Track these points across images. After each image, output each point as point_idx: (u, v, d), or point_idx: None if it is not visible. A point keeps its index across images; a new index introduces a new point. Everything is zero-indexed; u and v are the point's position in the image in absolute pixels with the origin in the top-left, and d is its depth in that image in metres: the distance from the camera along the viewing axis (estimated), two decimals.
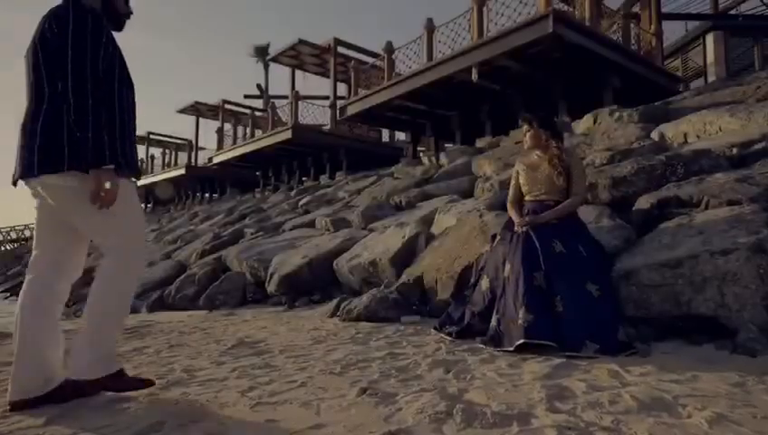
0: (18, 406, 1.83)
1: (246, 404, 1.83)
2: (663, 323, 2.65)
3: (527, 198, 3.21)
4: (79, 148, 1.83)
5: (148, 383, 2.07)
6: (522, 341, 2.47)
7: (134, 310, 6.87)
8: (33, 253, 2.02)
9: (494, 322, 2.73)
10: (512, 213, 3.22)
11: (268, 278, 5.54)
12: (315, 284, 5.24)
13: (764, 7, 16.65)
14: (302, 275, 5.17)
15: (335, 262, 5.00)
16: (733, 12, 16.55)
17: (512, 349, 2.51)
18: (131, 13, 2.22)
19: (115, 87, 1.94)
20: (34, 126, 1.88)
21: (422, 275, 3.91)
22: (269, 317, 4.42)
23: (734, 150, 4.10)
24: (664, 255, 2.67)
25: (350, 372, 2.27)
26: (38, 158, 1.86)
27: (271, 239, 7.43)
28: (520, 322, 2.54)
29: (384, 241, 4.94)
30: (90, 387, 1.93)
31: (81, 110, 1.82)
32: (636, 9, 12.60)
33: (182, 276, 6.99)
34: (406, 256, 4.50)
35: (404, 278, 4.06)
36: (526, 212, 3.15)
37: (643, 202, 3.53)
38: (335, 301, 4.37)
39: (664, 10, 13.82)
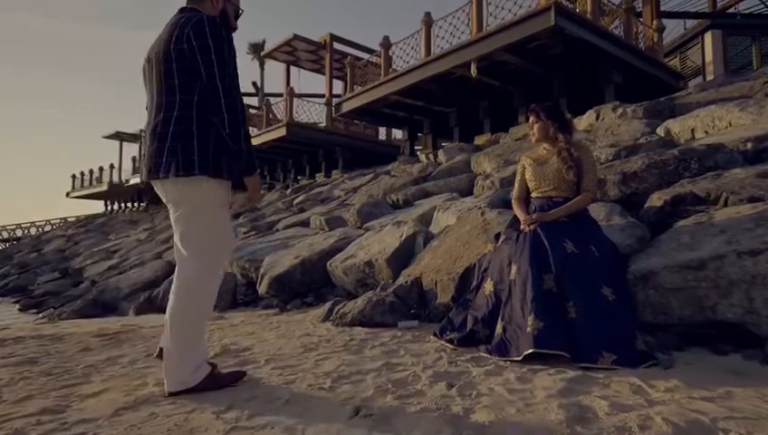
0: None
1: (220, 429, 1.60)
2: (684, 331, 2.43)
3: (534, 194, 2.99)
4: (235, 158, 1.96)
5: (239, 375, 2.20)
6: (531, 350, 2.24)
7: (121, 312, 6.65)
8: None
9: (499, 329, 2.50)
10: (517, 210, 3.00)
11: (259, 279, 5.30)
12: (308, 285, 5.01)
13: (762, 6, 16.48)
14: (295, 276, 4.93)
15: (329, 262, 4.77)
16: (731, 10, 16.39)
17: (519, 359, 2.29)
18: (237, 28, 2.34)
19: (239, 98, 2.03)
20: (166, 129, 1.97)
21: (420, 277, 3.68)
22: (259, 321, 4.18)
23: (749, 145, 3.89)
24: (685, 255, 2.45)
25: (342, 387, 2.04)
26: (170, 159, 1.95)
27: (263, 239, 7.19)
28: (528, 329, 2.32)
29: (380, 240, 4.71)
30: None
31: (235, 124, 1.93)
32: (637, 7, 12.41)
33: (171, 277, 6.73)
34: (403, 256, 4.26)
35: (401, 280, 3.83)
36: (533, 209, 2.92)
37: (655, 199, 3.31)
38: (328, 304, 4.13)
39: (662, 8, 13.64)
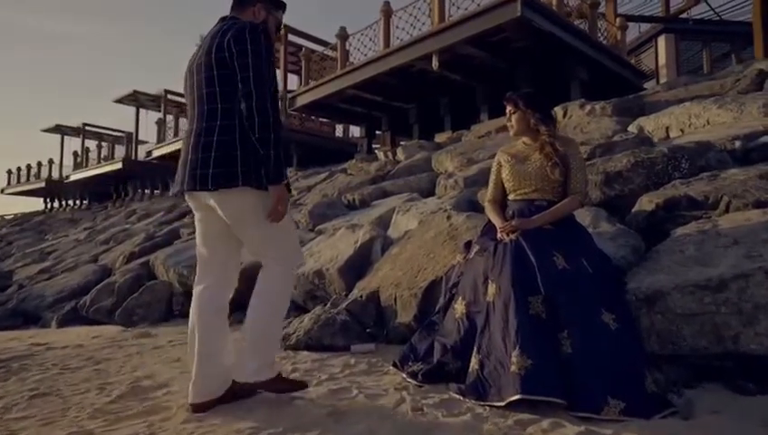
0: (198, 407, 1.96)
1: None
2: (695, 363, 2.01)
3: (512, 196, 2.52)
4: (261, 165, 1.91)
5: (301, 385, 2.16)
6: (517, 397, 1.77)
7: (44, 323, 5.89)
8: (199, 265, 2.15)
9: (474, 363, 2.01)
10: (492, 216, 2.53)
11: None
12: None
13: (713, 13, 16.84)
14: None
15: None
16: (684, 16, 16.70)
17: (502, 405, 1.82)
18: (275, 41, 2.40)
19: (277, 102, 2.00)
20: (209, 139, 1.95)
21: (378, 291, 3.17)
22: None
23: (737, 144, 3.56)
24: (698, 273, 2.02)
25: None
26: (213, 171, 1.92)
27: None
28: (513, 368, 1.84)
29: (333, 246, 4.17)
30: (250, 389, 2.08)
31: (265, 127, 1.89)
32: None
33: (100, 285, 6.01)
34: (358, 265, 3.74)
35: (355, 294, 3.31)
36: (510, 214, 2.46)
37: (645, 202, 2.91)
38: None
39: (619, 11, 13.69)
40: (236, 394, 2.05)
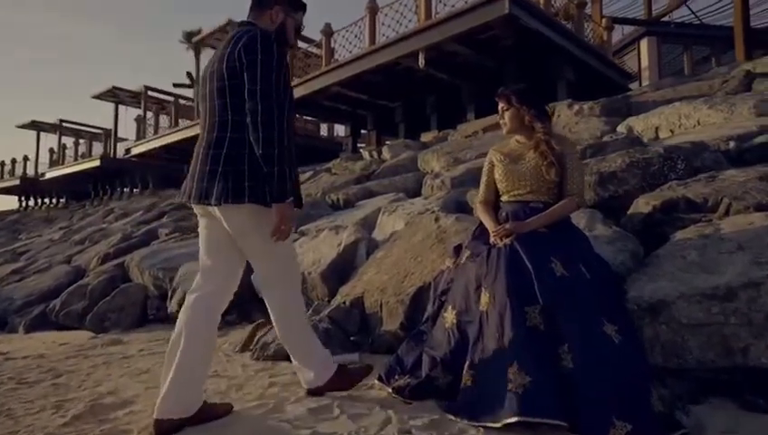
0: (164, 426, 1.81)
1: None
2: (702, 377, 1.88)
3: (505, 197, 2.37)
4: (265, 182, 1.85)
5: (368, 370, 2.26)
6: (515, 419, 1.61)
7: (12, 328, 5.64)
8: (201, 272, 2.08)
9: (467, 379, 1.86)
10: (484, 218, 2.38)
11: (171, 293, 4.49)
12: (230, 300, 4.23)
13: (693, 16, 17.02)
14: None
15: (253, 276, 4.00)
16: (665, 19, 16.85)
17: (498, 425, 1.66)
18: (294, 44, 2.35)
19: (286, 114, 1.90)
20: (218, 151, 1.91)
21: (362, 296, 3.01)
22: (162, 350, 3.38)
23: (731, 144, 3.47)
24: (704, 280, 1.89)
25: None
26: (219, 185, 1.87)
27: (184, 242, 6.30)
28: (510, 386, 1.68)
29: (315, 249, 4.00)
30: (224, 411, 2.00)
31: (269, 143, 1.82)
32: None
33: (71, 287, 5.76)
34: (342, 269, 3.57)
35: (338, 300, 3.15)
36: (504, 217, 2.31)
37: (642, 204, 2.79)
38: (250, 327, 3.41)
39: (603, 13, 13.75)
40: (205, 417, 1.89)
